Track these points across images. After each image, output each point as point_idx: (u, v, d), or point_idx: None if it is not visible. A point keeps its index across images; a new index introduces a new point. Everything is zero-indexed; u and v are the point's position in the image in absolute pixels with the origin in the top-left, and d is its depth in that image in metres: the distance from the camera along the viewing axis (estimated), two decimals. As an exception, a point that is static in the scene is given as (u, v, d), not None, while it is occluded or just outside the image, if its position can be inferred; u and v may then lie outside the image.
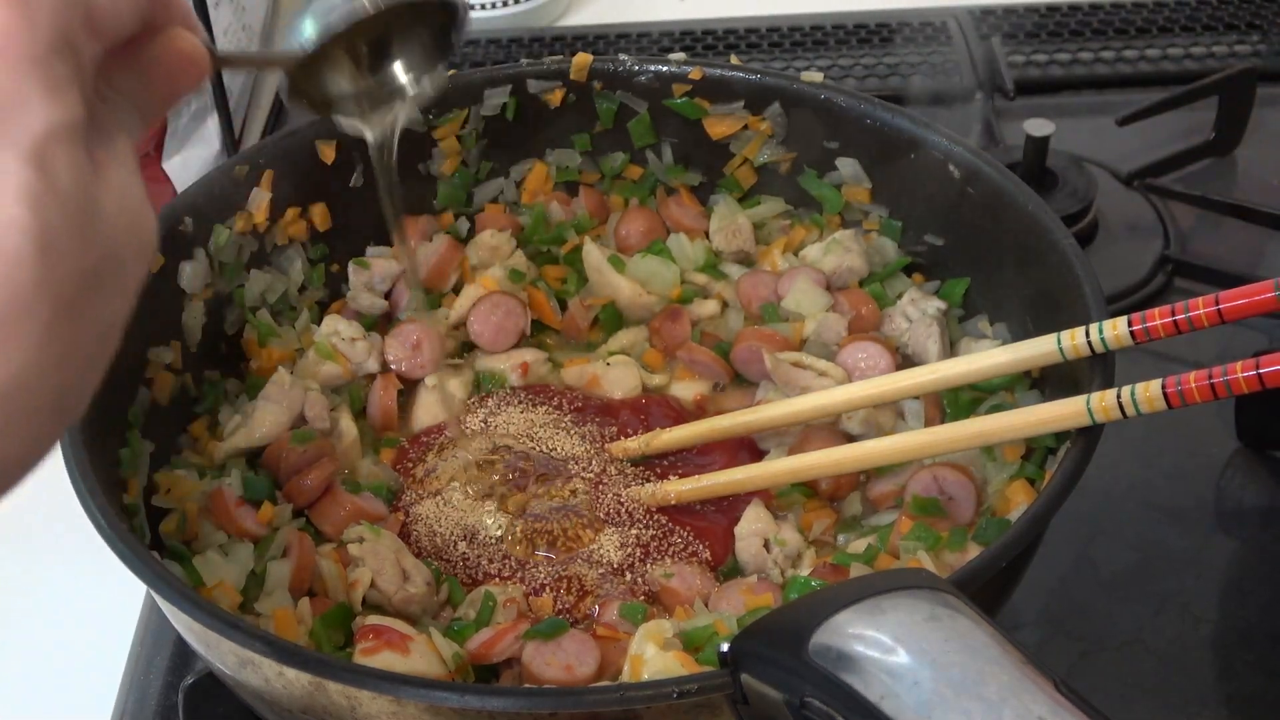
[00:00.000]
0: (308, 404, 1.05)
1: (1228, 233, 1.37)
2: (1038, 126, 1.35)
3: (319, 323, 1.13)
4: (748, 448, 1.06)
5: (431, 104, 1.17)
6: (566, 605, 0.94)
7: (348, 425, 1.07)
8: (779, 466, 1.01)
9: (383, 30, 0.79)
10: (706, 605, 0.93)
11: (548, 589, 0.95)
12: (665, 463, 1.05)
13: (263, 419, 1.03)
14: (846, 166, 1.16)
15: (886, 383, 1.00)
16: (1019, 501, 0.93)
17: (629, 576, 0.97)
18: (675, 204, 1.21)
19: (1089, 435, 0.87)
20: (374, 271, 1.16)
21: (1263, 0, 1.70)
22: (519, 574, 0.97)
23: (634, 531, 0.99)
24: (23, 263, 0.45)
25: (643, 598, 0.95)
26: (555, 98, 1.19)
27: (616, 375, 1.11)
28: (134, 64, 0.54)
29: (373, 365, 1.11)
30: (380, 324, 1.15)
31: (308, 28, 0.74)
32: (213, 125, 1.47)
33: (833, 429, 1.05)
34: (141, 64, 0.54)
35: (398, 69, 0.82)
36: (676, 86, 1.18)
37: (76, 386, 0.50)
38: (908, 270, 1.15)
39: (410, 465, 1.06)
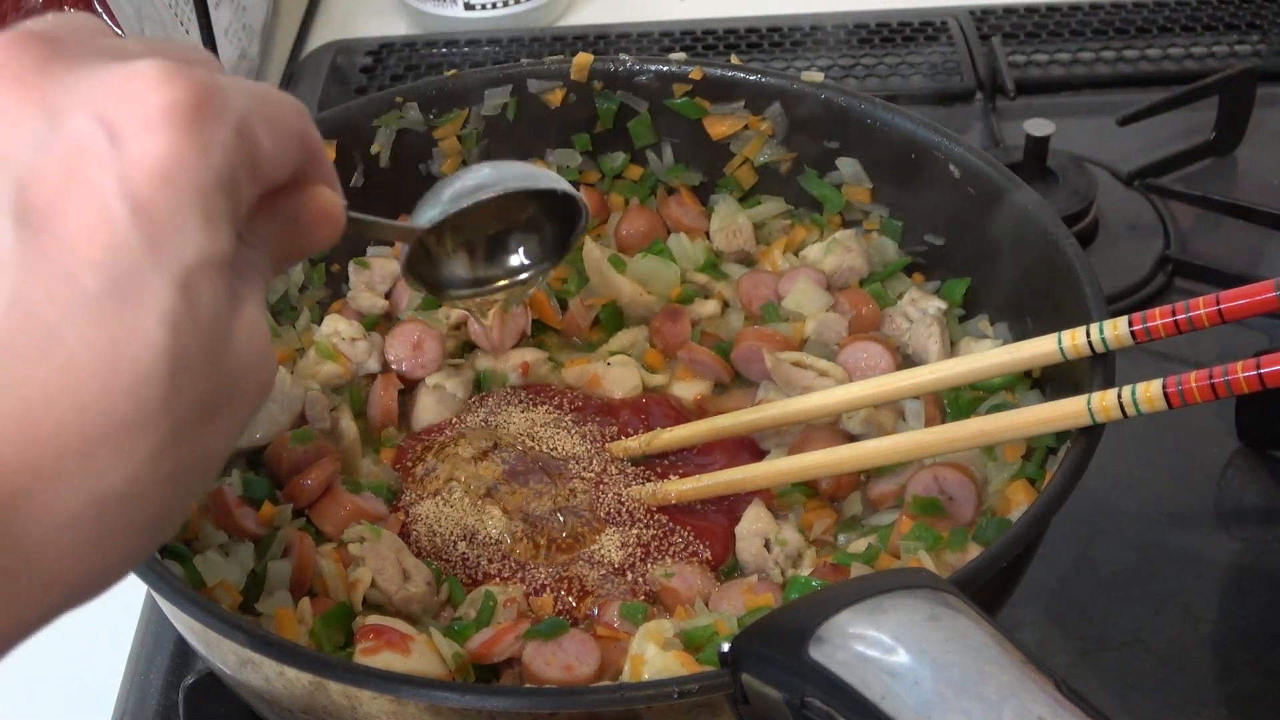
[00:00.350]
0: (308, 404, 1.05)
1: (1228, 233, 1.37)
2: (1038, 126, 1.35)
3: (319, 322, 1.13)
4: (748, 447, 1.06)
5: (432, 104, 1.17)
6: (567, 606, 0.94)
7: (348, 425, 1.07)
8: (779, 466, 1.01)
9: (505, 221, 0.81)
10: (707, 605, 0.93)
11: (548, 589, 0.95)
12: (666, 462, 1.05)
13: (263, 419, 1.03)
14: (847, 166, 1.16)
15: (887, 382, 1.00)
16: (1019, 501, 0.93)
17: (630, 576, 0.97)
18: (676, 204, 1.21)
19: (1089, 435, 0.87)
20: (374, 271, 1.16)
21: (1263, 0, 1.70)
22: (519, 574, 0.97)
23: (635, 531, 0.99)
24: (151, 382, 0.47)
25: (643, 598, 0.95)
26: (556, 97, 1.19)
27: (617, 375, 1.11)
28: (277, 212, 0.56)
29: (373, 365, 1.11)
30: (381, 324, 1.15)
31: (432, 207, 0.76)
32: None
33: (833, 429, 1.05)
34: (284, 213, 0.56)
35: (513, 260, 0.83)
36: (677, 86, 1.18)
37: (175, 508, 0.51)
38: (908, 270, 1.15)
39: (410, 465, 1.06)
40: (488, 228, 0.82)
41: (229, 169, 0.49)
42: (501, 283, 0.85)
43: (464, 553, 0.98)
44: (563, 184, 0.82)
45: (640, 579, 0.96)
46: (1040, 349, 0.94)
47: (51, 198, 0.46)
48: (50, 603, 0.49)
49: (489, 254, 0.83)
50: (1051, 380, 0.99)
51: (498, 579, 0.96)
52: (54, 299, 0.46)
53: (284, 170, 0.54)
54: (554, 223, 0.85)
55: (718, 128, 1.19)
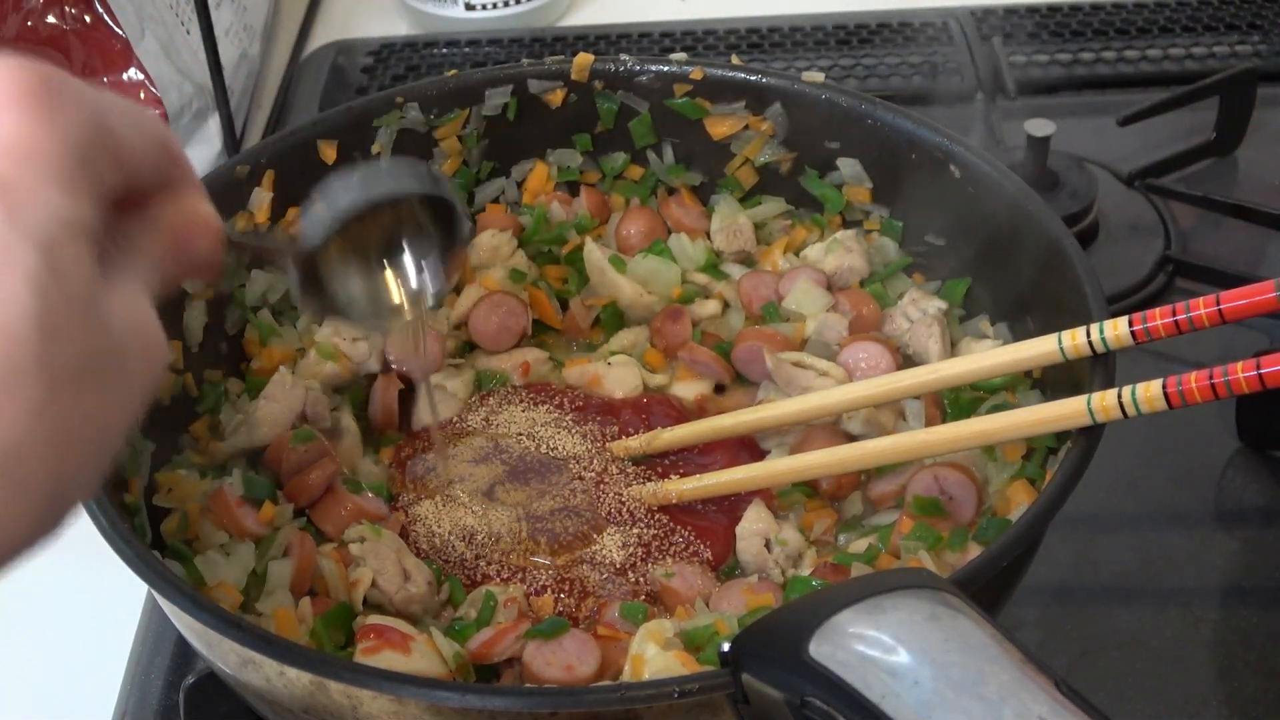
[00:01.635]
0: (309, 403, 1.05)
1: (1229, 233, 1.37)
2: (1038, 127, 1.35)
3: (320, 323, 1.13)
4: (749, 447, 1.06)
5: (433, 104, 1.17)
6: (568, 606, 0.94)
7: (349, 425, 1.07)
8: (780, 466, 1.01)
9: (395, 227, 0.80)
10: (707, 605, 0.94)
11: (549, 589, 0.95)
12: (666, 462, 1.05)
13: (264, 418, 1.03)
14: (847, 166, 1.16)
15: (887, 382, 1.00)
16: (1020, 501, 0.93)
17: (631, 576, 0.97)
18: (676, 204, 1.21)
19: (1090, 435, 0.87)
20: (375, 271, 1.16)
21: (1263, 0, 1.70)
22: (519, 574, 0.97)
23: (635, 531, 0.99)
24: (21, 340, 0.48)
25: (644, 597, 0.95)
26: (556, 98, 1.20)
27: (618, 375, 1.11)
28: (151, 222, 0.59)
29: (374, 365, 1.11)
30: (381, 324, 1.15)
31: (315, 223, 0.74)
32: (214, 125, 1.47)
33: (834, 429, 1.05)
34: (158, 223, 0.59)
35: (406, 270, 0.82)
36: (678, 86, 1.18)
37: (73, 477, 0.52)
38: (909, 270, 1.15)
39: (410, 464, 1.06)
40: (378, 236, 0.79)
41: (82, 146, 0.52)
42: (400, 297, 0.82)
43: (463, 553, 0.98)
44: (444, 190, 0.80)
45: (641, 579, 0.97)
46: (1040, 349, 0.94)
47: None
48: None
49: (383, 264, 0.81)
50: (1052, 380, 0.99)
51: (498, 579, 0.96)
52: None
53: (145, 163, 0.57)
54: (440, 228, 0.82)
55: (718, 128, 1.19)
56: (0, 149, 0.50)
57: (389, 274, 0.81)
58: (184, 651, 1.04)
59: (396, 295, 0.81)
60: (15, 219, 0.49)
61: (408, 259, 0.81)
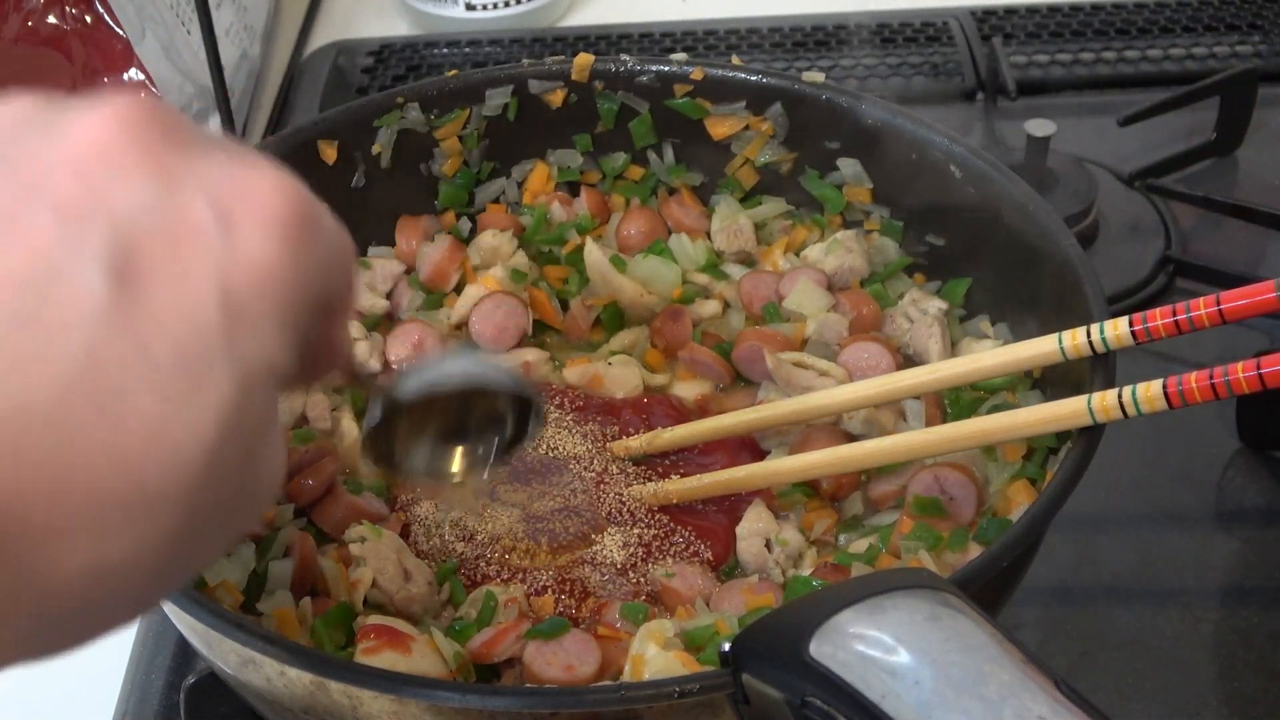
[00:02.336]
0: (309, 404, 1.05)
1: (1229, 233, 1.38)
2: (1039, 127, 1.35)
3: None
4: (749, 447, 1.06)
5: (433, 104, 1.17)
6: (568, 607, 0.94)
7: (349, 425, 1.07)
8: (780, 466, 1.01)
9: (473, 410, 0.82)
10: (708, 605, 0.94)
11: (550, 589, 0.95)
12: (667, 462, 1.05)
13: (264, 419, 1.03)
14: (848, 167, 1.16)
15: (888, 382, 1.00)
16: (1020, 501, 0.93)
17: (631, 576, 0.97)
18: (676, 204, 1.21)
19: (1090, 435, 0.87)
20: (375, 272, 1.16)
21: (1264, 0, 1.70)
22: (520, 574, 0.97)
23: (636, 531, 0.99)
24: (186, 469, 0.46)
25: (644, 597, 0.95)
26: (557, 98, 1.20)
27: (618, 375, 1.11)
28: (305, 348, 0.56)
29: (374, 365, 1.11)
30: (382, 324, 1.15)
31: (411, 381, 0.76)
32: (214, 126, 1.47)
33: (834, 429, 1.05)
34: (310, 350, 0.56)
35: (475, 448, 0.84)
36: (678, 87, 1.18)
37: (150, 602, 0.51)
38: (909, 270, 1.16)
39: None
40: (455, 415, 0.82)
41: (311, 290, 0.50)
42: (457, 469, 0.85)
43: (463, 554, 0.98)
44: (535, 396, 0.83)
45: (641, 579, 0.97)
46: (1041, 349, 0.94)
47: (149, 263, 0.46)
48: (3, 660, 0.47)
49: (449, 440, 0.84)
50: (1052, 380, 0.99)
51: (498, 580, 0.96)
52: (124, 363, 0.45)
53: (337, 295, 0.55)
54: (515, 417, 0.85)
55: (719, 128, 1.19)
56: (246, 270, 0.47)
57: (457, 448, 0.83)
58: (184, 651, 1.04)
59: (456, 467, 0.83)
60: (233, 348, 0.47)
61: (477, 443, 0.83)
